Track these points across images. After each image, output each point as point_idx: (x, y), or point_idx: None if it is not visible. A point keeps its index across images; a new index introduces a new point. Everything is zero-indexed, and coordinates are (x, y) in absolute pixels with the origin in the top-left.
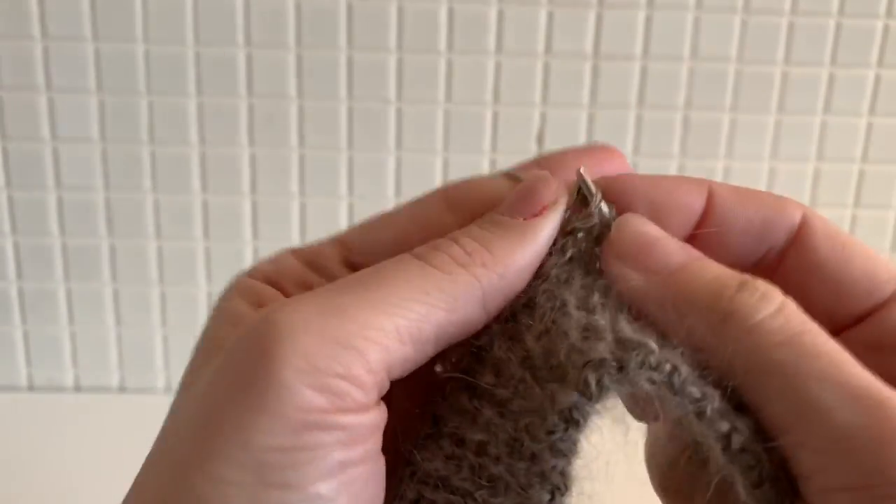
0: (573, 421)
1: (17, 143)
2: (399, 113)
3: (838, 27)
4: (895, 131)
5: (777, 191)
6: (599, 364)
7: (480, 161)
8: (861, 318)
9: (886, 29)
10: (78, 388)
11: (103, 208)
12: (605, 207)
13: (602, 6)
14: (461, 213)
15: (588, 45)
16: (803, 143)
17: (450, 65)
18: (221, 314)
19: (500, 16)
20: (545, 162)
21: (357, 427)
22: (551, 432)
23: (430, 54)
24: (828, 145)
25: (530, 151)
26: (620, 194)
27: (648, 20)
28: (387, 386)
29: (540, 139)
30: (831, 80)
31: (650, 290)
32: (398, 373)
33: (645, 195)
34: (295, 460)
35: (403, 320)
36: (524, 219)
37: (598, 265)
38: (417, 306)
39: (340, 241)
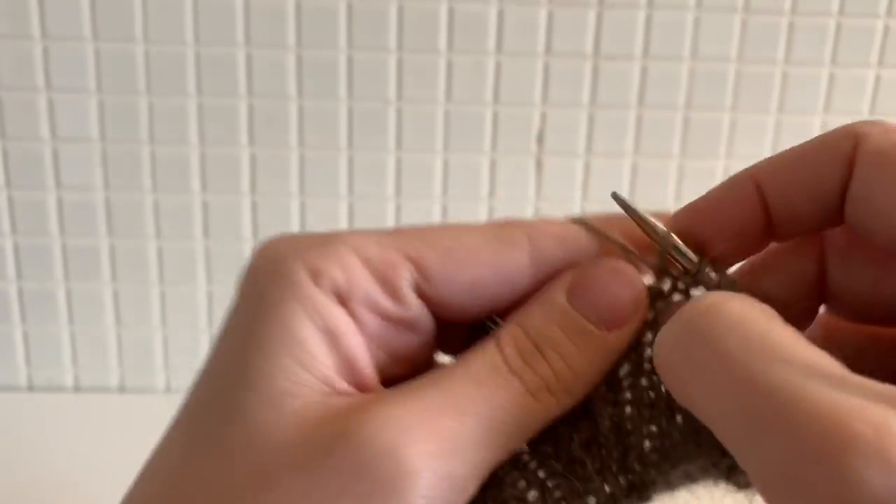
0: None
1: (16, 142)
2: (399, 113)
3: (838, 27)
4: None
5: None
6: None
7: (480, 161)
8: None
9: (886, 29)
10: (78, 388)
11: (103, 208)
12: (711, 275)
13: (602, 6)
14: (543, 263)
15: (588, 45)
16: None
17: (450, 65)
18: (282, 328)
19: (500, 16)
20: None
21: None
22: None
23: (431, 54)
24: None
25: (530, 151)
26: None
27: (648, 20)
28: None
29: (540, 139)
30: (831, 79)
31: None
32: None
33: (710, 225)
34: None
35: (503, 452)
36: (606, 328)
37: None
38: (519, 440)
39: (416, 261)
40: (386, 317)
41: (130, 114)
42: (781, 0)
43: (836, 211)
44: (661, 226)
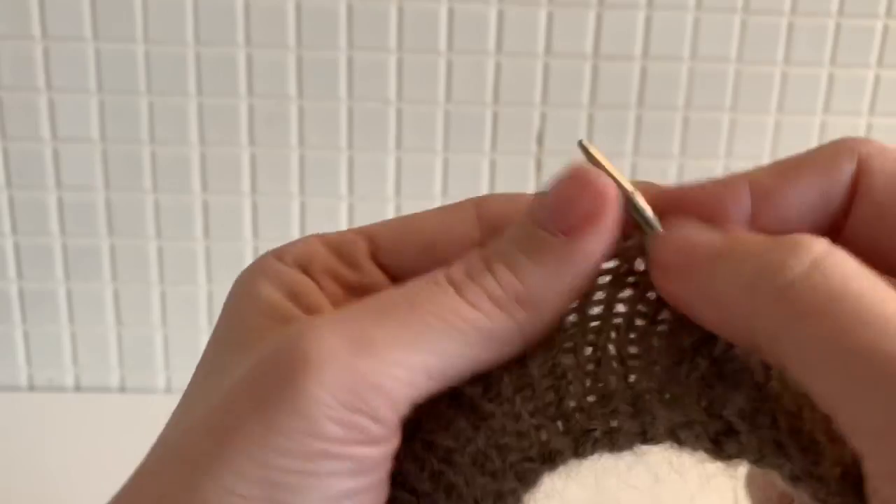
0: (552, 463)
1: (17, 143)
2: (399, 113)
3: (838, 27)
4: (895, 131)
5: None
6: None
7: (480, 161)
8: None
9: (886, 29)
10: (78, 388)
11: (104, 208)
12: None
13: (602, 6)
14: (491, 229)
15: (588, 45)
16: (803, 143)
17: (450, 65)
18: (252, 298)
19: (500, 16)
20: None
21: (369, 459)
22: (526, 459)
23: (431, 54)
24: None
25: (530, 151)
26: (670, 209)
27: (648, 20)
28: (406, 414)
29: (540, 139)
30: (831, 80)
31: (696, 299)
32: (422, 401)
33: (693, 208)
34: (304, 484)
35: (434, 359)
36: (564, 233)
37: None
38: (451, 346)
39: (369, 236)
40: (346, 283)
41: (131, 114)
42: (781, 0)
43: (829, 229)
44: (628, 184)
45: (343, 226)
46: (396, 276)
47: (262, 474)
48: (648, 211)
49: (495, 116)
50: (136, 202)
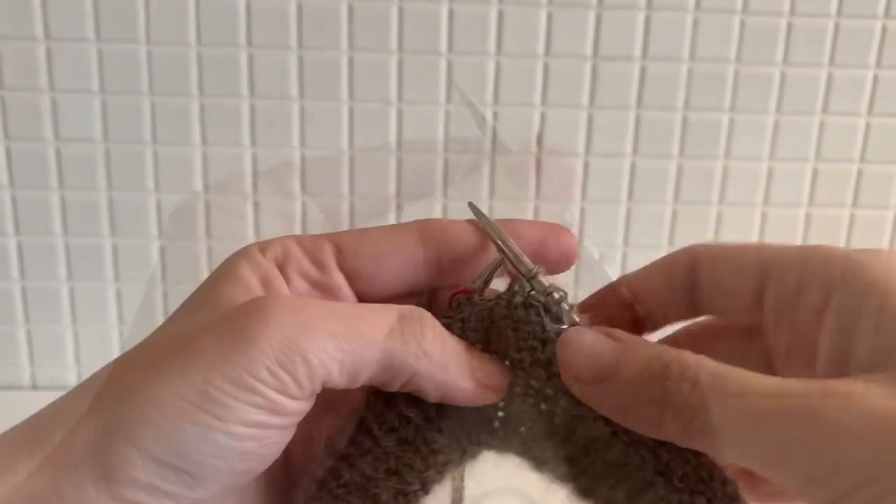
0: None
1: (20, 143)
2: (400, 113)
3: (837, 28)
4: (893, 131)
5: (775, 191)
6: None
7: (480, 161)
8: (759, 301)
9: (885, 29)
10: None
11: (106, 208)
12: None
13: (602, 7)
14: (430, 247)
15: (588, 46)
16: (802, 143)
17: (450, 66)
18: (231, 274)
19: (501, 17)
20: (508, 226)
21: (282, 406)
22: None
23: (431, 55)
24: (826, 145)
25: (530, 152)
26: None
27: (648, 21)
28: (315, 396)
29: (540, 140)
30: (830, 80)
31: (601, 401)
32: (329, 385)
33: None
34: (230, 404)
35: (349, 359)
36: (480, 384)
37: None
38: (364, 350)
39: (336, 242)
40: (312, 280)
41: (133, 114)
42: (780, 1)
43: (687, 305)
44: (512, 244)
45: (344, 226)
46: (352, 278)
47: (203, 388)
48: (528, 263)
49: (495, 117)
50: (138, 202)
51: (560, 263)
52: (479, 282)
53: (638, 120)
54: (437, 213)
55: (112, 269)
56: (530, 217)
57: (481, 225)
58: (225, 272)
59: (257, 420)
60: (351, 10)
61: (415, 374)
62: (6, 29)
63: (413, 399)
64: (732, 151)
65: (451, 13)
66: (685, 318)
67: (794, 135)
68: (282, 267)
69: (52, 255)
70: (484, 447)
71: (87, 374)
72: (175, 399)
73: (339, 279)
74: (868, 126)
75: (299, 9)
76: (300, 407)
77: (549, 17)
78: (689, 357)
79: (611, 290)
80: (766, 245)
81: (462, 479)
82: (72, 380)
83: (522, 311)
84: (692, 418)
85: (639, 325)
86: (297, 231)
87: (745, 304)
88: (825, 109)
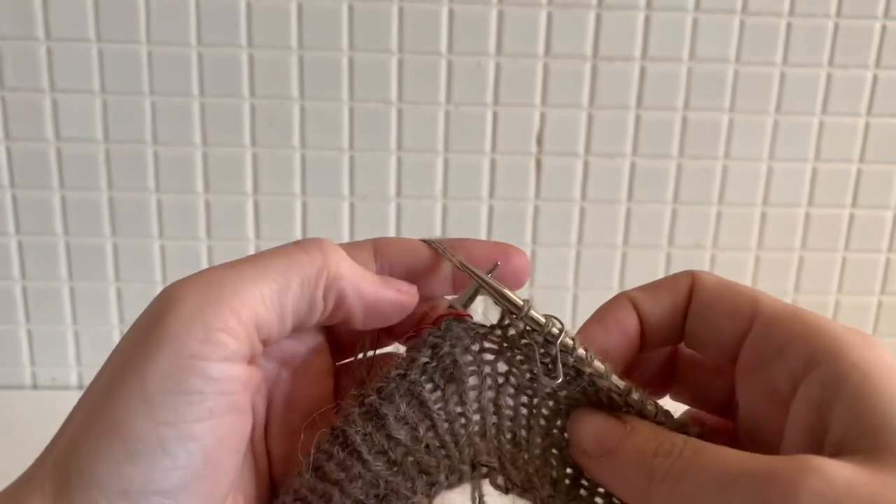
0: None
1: (21, 143)
2: (400, 113)
3: (836, 28)
4: (892, 132)
5: (775, 191)
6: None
7: (480, 161)
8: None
9: (884, 30)
10: (82, 387)
11: (107, 208)
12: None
13: (601, 8)
14: (384, 263)
15: (587, 46)
16: (801, 143)
17: (450, 66)
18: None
19: (501, 17)
20: (460, 245)
21: (228, 378)
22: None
23: (431, 55)
24: (825, 145)
25: (530, 152)
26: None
27: (647, 22)
28: (259, 347)
29: (539, 140)
30: (829, 80)
31: (600, 471)
32: (266, 334)
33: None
34: (176, 402)
35: (266, 289)
36: (398, 290)
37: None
38: (278, 279)
39: None
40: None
41: (134, 114)
42: (779, 2)
43: (674, 323)
44: (479, 271)
45: (345, 226)
46: None
47: (144, 396)
48: (515, 300)
49: (495, 117)
50: (139, 202)
51: (511, 283)
52: (462, 301)
53: (638, 120)
54: (437, 213)
55: (112, 269)
56: None
57: (462, 267)
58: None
59: (209, 407)
60: (351, 10)
61: (340, 290)
62: (7, 29)
63: (401, 417)
64: (732, 151)
65: (451, 13)
66: (677, 342)
67: (793, 135)
68: None
69: (52, 254)
70: (477, 469)
71: (87, 374)
72: (125, 423)
73: None
74: (867, 126)
75: (299, 9)
76: (243, 371)
77: (549, 17)
78: (679, 437)
79: (616, 307)
80: (762, 294)
81: (481, 499)
82: (72, 380)
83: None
84: (673, 487)
85: (637, 347)
86: (297, 230)
87: (728, 346)
88: (825, 109)
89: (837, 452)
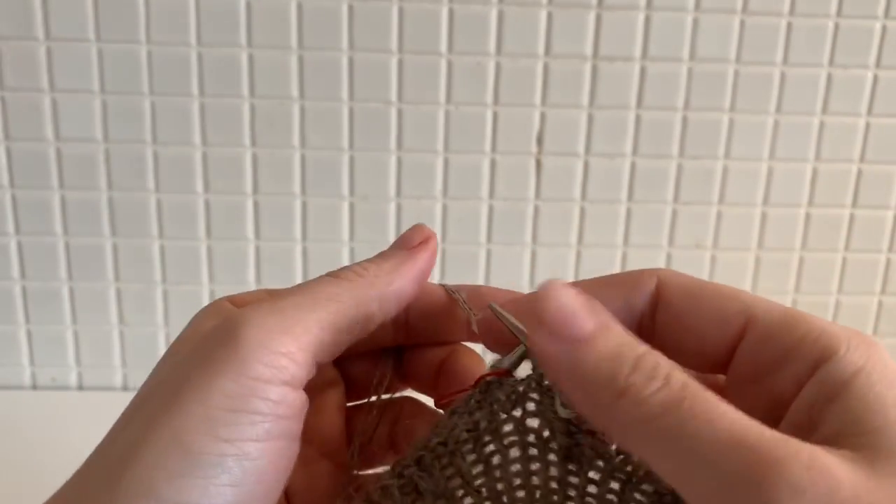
0: None
1: (21, 143)
2: (400, 113)
3: (836, 28)
4: (893, 132)
5: (775, 191)
6: None
7: (481, 161)
8: (732, 352)
9: (884, 29)
10: (81, 387)
11: (107, 208)
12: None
13: (602, 7)
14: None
15: (588, 46)
16: (801, 143)
17: (450, 66)
18: (203, 316)
19: (501, 17)
20: (481, 291)
21: (286, 402)
22: None
23: (431, 55)
24: (826, 146)
25: (530, 152)
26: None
27: (647, 21)
28: (314, 369)
29: (540, 140)
30: (829, 80)
31: (561, 362)
32: (322, 356)
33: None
34: (238, 421)
35: (324, 313)
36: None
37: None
38: (332, 304)
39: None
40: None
41: (134, 114)
42: (780, 1)
43: (637, 330)
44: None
45: (344, 226)
46: None
47: (205, 413)
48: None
49: (495, 117)
50: (139, 202)
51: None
52: (507, 363)
53: (638, 120)
54: (437, 213)
55: (112, 269)
56: None
57: (496, 315)
58: (194, 326)
59: (266, 429)
60: (351, 10)
61: (380, 300)
62: (6, 29)
63: (440, 494)
64: (732, 151)
65: (451, 13)
66: None
67: (793, 135)
68: (243, 304)
69: (52, 254)
70: None
71: (86, 374)
72: (186, 437)
73: None
74: (868, 126)
75: (299, 9)
76: (299, 396)
77: (549, 17)
78: (663, 358)
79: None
80: (748, 295)
81: None
82: (72, 380)
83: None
84: (648, 420)
85: None
86: (297, 230)
87: (714, 354)
88: (825, 110)
89: (828, 447)
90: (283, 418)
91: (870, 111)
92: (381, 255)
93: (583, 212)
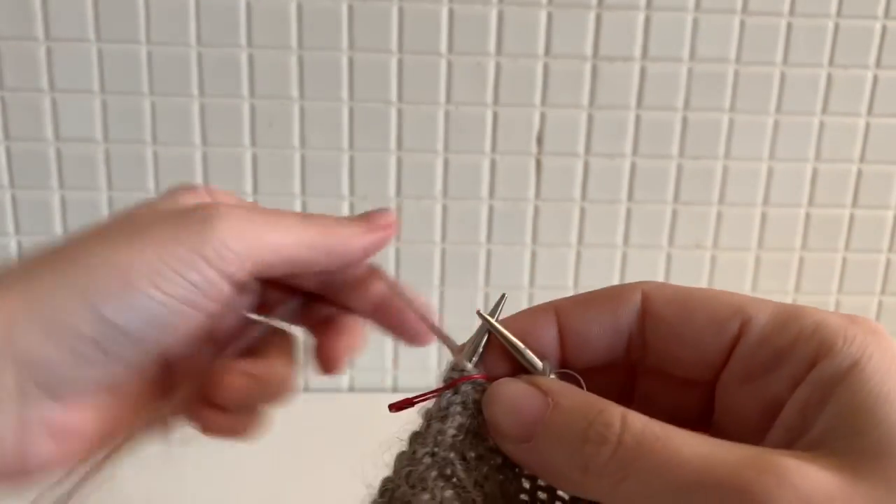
0: None
1: (21, 143)
2: (400, 113)
3: (836, 28)
4: (893, 132)
5: (775, 191)
6: None
7: (481, 161)
8: (728, 356)
9: (884, 30)
10: None
11: (107, 208)
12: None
13: (602, 8)
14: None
15: (588, 46)
16: (801, 143)
17: (450, 66)
18: (185, 192)
19: (501, 17)
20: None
21: (216, 287)
22: None
23: (431, 55)
24: (826, 146)
25: (530, 152)
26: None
27: (647, 22)
28: (251, 277)
29: (539, 140)
30: (829, 80)
31: (526, 461)
32: (262, 272)
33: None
34: (175, 280)
35: (282, 242)
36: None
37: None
38: (292, 237)
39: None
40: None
41: (134, 114)
42: (780, 2)
43: (628, 346)
44: (514, 339)
45: None
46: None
47: (156, 263)
48: (531, 357)
49: (495, 117)
50: (139, 202)
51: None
52: (467, 361)
53: (638, 120)
54: (437, 213)
55: None
56: None
57: (490, 327)
58: (179, 191)
59: (190, 298)
60: (351, 10)
61: (328, 251)
62: (6, 29)
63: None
64: (732, 152)
65: (451, 13)
66: (617, 362)
67: (793, 135)
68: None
69: None
70: None
71: None
72: (128, 269)
73: None
74: (868, 126)
75: (299, 9)
76: (226, 289)
77: (549, 17)
78: (615, 415)
79: (536, 317)
80: (741, 297)
81: None
82: None
83: None
84: (615, 486)
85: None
86: None
87: (714, 360)
88: (825, 110)
89: (811, 451)
90: (206, 297)
91: (870, 111)
92: (348, 219)
93: (583, 212)
